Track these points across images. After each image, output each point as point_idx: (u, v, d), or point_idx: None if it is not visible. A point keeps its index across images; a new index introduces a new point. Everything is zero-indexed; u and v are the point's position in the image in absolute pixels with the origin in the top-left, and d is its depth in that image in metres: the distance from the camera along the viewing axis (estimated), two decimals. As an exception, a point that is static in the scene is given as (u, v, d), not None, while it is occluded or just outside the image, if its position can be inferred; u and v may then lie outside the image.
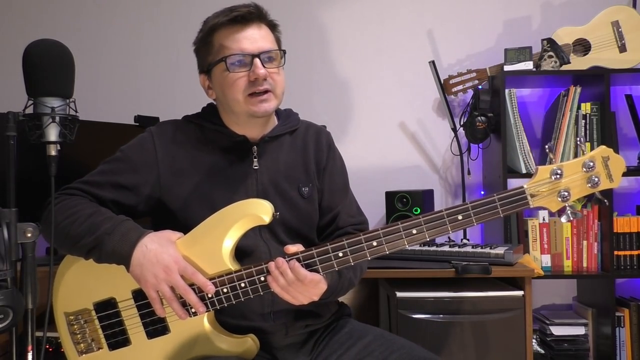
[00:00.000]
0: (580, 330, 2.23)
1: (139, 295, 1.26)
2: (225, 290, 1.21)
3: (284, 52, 1.35)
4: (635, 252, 2.26)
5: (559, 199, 1.17)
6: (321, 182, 1.44)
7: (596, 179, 1.17)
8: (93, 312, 1.28)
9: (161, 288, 1.19)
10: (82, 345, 1.29)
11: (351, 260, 1.19)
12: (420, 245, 1.96)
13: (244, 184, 1.35)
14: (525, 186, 1.18)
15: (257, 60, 1.28)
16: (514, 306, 1.76)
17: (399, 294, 1.78)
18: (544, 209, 1.19)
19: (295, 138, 1.44)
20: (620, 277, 2.31)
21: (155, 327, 1.25)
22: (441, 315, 1.76)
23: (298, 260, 1.18)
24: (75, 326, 1.29)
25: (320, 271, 1.19)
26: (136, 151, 1.35)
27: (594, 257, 2.27)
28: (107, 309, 1.27)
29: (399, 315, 1.76)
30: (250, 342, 1.25)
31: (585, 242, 2.27)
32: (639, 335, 2.25)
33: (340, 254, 1.19)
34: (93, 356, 1.29)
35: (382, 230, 1.18)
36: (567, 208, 1.20)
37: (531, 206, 1.17)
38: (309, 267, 1.19)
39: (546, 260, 2.28)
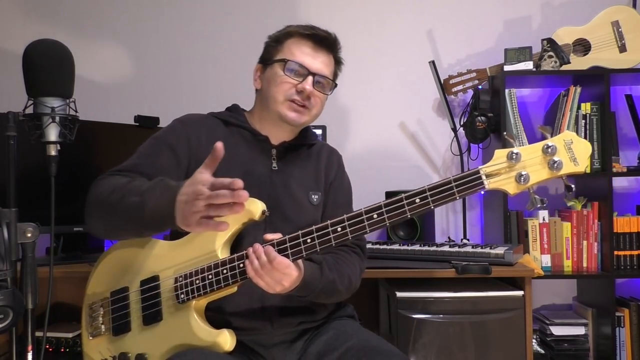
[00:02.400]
0: (580, 330, 2.23)
1: (145, 283, 1.33)
2: (210, 276, 1.26)
3: (336, 84, 1.49)
4: (635, 252, 2.26)
5: (518, 182, 1.13)
6: (326, 195, 1.50)
7: (557, 160, 1.12)
8: (109, 299, 1.37)
9: (197, 205, 1.10)
10: (92, 328, 1.38)
11: (317, 246, 1.22)
12: (420, 245, 1.96)
13: (259, 181, 1.40)
14: (480, 167, 1.17)
15: (310, 78, 1.40)
16: (514, 306, 1.76)
17: (399, 294, 1.78)
18: (504, 192, 1.15)
19: (311, 152, 1.53)
20: (620, 277, 2.31)
21: (151, 312, 1.32)
22: (441, 315, 1.76)
23: (272, 245, 1.23)
24: (93, 310, 1.39)
25: (290, 256, 1.23)
26: (170, 134, 1.40)
27: (594, 257, 2.27)
28: (119, 296, 1.36)
29: (399, 315, 1.76)
30: (223, 335, 1.27)
31: (585, 242, 2.27)
32: (639, 335, 2.25)
33: (308, 240, 1.23)
34: (99, 339, 1.38)
35: (346, 215, 1.22)
36: (530, 194, 1.16)
37: (487, 187, 1.15)
38: (281, 252, 1.23)
39: (546, 260, 2.28)
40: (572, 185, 1.17)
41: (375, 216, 1.20)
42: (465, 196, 1.19)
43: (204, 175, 1.11)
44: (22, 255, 1.17)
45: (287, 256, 1.22)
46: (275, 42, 1.46)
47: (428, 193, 1.17)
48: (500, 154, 1.15)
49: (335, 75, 1.50)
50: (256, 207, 1.26)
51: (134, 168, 1.33)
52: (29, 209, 1.32)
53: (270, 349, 1.37)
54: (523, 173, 1.13)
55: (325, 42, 1.44)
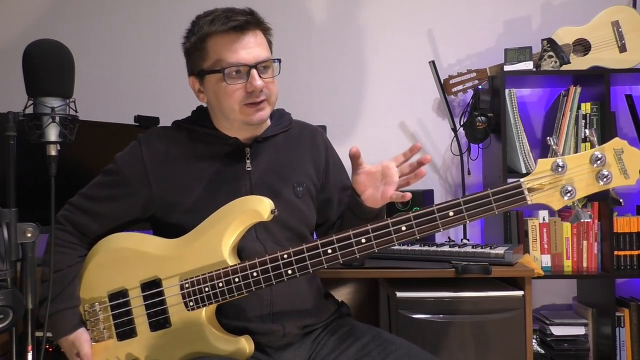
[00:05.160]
0: (580, 330, 2.23)
1: (146, 287, 1.30)
2: (220, 284, 1.23)
3: (279, 60, 1.34)
4: (635, 252, 2.26)
5: (563, 196, 1.02)
6: (326, 180, 1.46)
7: (607, 174, 1.01)
8: (107, 301, 1.33)
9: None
10: (95, 333, 1.33)
11: (340, 257, 1.18)
12: (420, 245, 1.96)
13: (237, 185, 1.35)
14: (522, 180, 1.05)
15: (254, 72, 1.28)
16: (514, 306, 1.76)
17: (399, 294, 1.78)
18: (545, 207, 1.06)
19: (289, 138, 1.44)
20: (620, 277, 2.31)
21: (158, 318, 1.29)
22: (441, 315, 1.76)
23: (289, 255, 1.20)
24: (91, 314, 1.34)
25: (310, 267, 1.19)
26: (126, 163, 1.37)
27: (594, 257, 2.26)
28: (118, 299, 1.32)
29: (399, 315, 1.76)
30: (243, 343, 1.25)
31: (585, 242, 2.27)
32: (639, 335, 2.25)
33: (329, 251, 1.17)
34: (104, 344, 1.33)
35: (371, 226, 1.15)
36: (575, 207, 1.06)
37: (529, 202, 1.04)
38: (299, 262, 1.19)
39: (546, 260, 2.28)
40: (621, 200, 1.04)
41: (403, 228, 1.12)
42: (505, 211, 1.07)
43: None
44: (22, 255, 1.17)
45: (306, 267, 1.19)
46: (197, 49, 1.33)
47: (463, 206, 1.08)
48: (543, 165, 1.04)
49: (270, 45, 1.35)
50: (264, 207, 1.22)
51: (90, 201, 1.36)
52: (29, 209, 1.32)
53: (279, 351, 1.35)
54: (569, 188, 1.03)
55: (248, 25, 1.28)
